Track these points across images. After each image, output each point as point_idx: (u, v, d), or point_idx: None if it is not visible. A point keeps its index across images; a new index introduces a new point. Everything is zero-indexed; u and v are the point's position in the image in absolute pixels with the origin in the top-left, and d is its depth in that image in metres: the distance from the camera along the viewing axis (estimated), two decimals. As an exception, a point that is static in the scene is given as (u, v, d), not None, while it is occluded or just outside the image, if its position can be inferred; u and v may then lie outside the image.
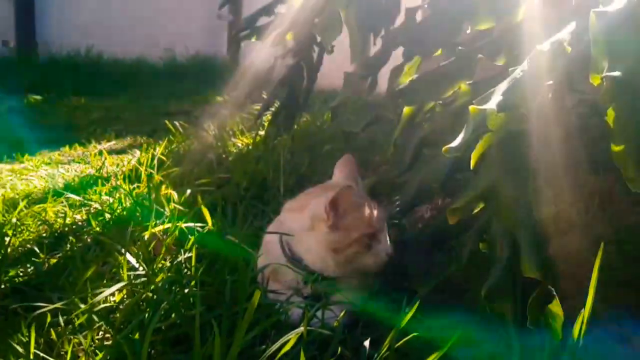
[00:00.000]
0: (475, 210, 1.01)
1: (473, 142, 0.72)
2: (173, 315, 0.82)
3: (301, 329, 0.74)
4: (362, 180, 1.21)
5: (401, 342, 0.85)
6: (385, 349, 0.84)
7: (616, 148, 0.66)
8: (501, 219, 0.74)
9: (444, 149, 0.67)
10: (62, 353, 0.84)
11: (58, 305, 0.88)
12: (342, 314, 1.02)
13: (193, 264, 1.07)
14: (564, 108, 0.72)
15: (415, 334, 0.86)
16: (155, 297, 0.89)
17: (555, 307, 0.83)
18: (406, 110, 1.18)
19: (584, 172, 1.00)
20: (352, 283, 1.10)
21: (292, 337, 0.71)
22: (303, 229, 1.06)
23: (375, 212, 1.07)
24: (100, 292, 0.94)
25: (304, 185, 1.84)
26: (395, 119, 1.20)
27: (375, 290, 1.12)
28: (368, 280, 1.12)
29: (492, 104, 0.68)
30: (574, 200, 0.74)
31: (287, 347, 0.71)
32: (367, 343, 0.88)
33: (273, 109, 2.42)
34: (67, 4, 5.73)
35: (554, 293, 0.82)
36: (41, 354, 0.74)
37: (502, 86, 0.73)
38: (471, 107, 0.69)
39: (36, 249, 1.24)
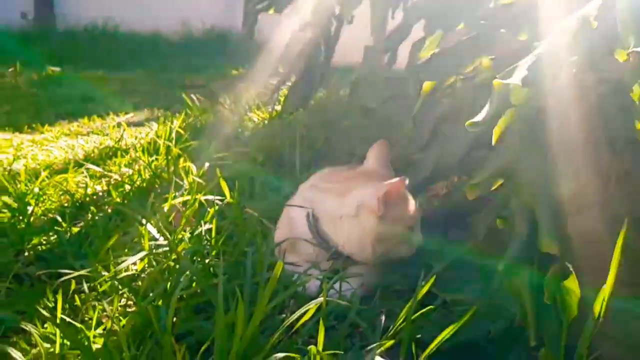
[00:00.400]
0: (493, 187, 1.02)
1: (495, 119, 0.71)
2: (195, 284, 0.84)
3: (320, 299, 0.75)
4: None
5: (417, 314, 0.86)
6: (400, 321, 0.85)
7: (641, 125, 0.66)
8: (520, 195, 0.74)
9: (467, 123, 0.67)
10: (87, 319, 0.87)
11: (82, 272, 0.90)
12: (359, 286, 1.04)
13: (213, 235, 1.09)
14: (586, 85, 0.72)
15: (431, 307, 0.87)
16: (177, 266, 0.90)
17: (571, 282, 0.83)
18: (426, 85, 1.17)
19: (603, 149, 0.99)
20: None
21: (311, 307, 0.72)
22: (344, 215, 1.06)
23: (414, 203, 1.08)
24: (123, 261, 0.96)
25: (320, 161, 1.86)
26: (415, 94, 1.19)
27: (392, 265, 1.14)
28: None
29: (516, 79, 0.67)
30: (592, 178, 0.74)
31: (306, 317, 0.73)
32: (382, 316, 0.89)
33: (289, 83, 2.41)
34: (85, -24, 5.72)
35: (571, 269, 0.83)
36: (67, 319, 0.76)
37: (527, 61, 0.73)
38: (495, 82, 0.68)
39: (58, 218, 1.26)
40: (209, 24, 5.84)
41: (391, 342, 0.81)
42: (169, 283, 0.82)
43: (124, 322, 0.82)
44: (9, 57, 3.84)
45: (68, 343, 0.74)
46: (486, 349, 0.88)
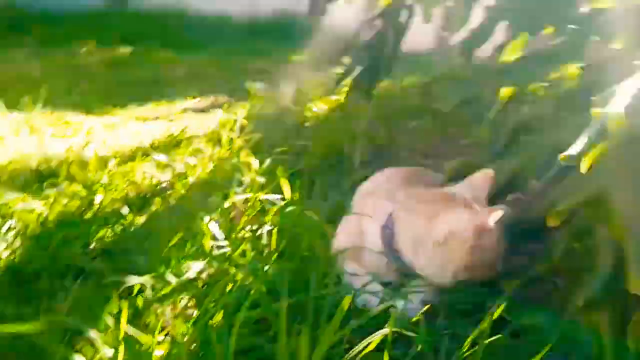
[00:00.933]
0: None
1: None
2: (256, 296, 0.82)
3: (386, 331, 0.71)
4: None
5: (486, 342, 0.80)
6: (465, 348, 0.80)
7: None
8: (609, 226, 0.67)
9: (561, 157, 0.61)
10: (147, 322, 0.87)
11: (147, 278, 0.91)
12: (420, 303, 1.00)
13: (274, 240, 1.07)
14: None
15: (500, 335, 0.81)
16: (238, 277, 0.89)
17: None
18: (506, 90, 1.10)
19: None
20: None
21: (376, 339, 0.68)
22: (430, 239, 1.00)
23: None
24: (184, 263, 0.97)
25: (381, 158, 1.81)
26: (493, 99, 1.12)
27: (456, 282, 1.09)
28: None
29: (619, 107, 0.60)
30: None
31: (371, 347, 0.69)
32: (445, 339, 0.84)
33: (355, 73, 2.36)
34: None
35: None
36: (129, 332, 0.76)
37: (631, 86, 0.65)
38: (594, 112, 0.61)
39: (124, 209, 1.28)
40: (276, 8, 5.83)
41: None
42: (230, 299, 0.80)
43: (183, 329, 0.81)
44: (82, 37, 4.00)
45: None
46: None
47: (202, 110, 2.50)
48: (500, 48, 1.15)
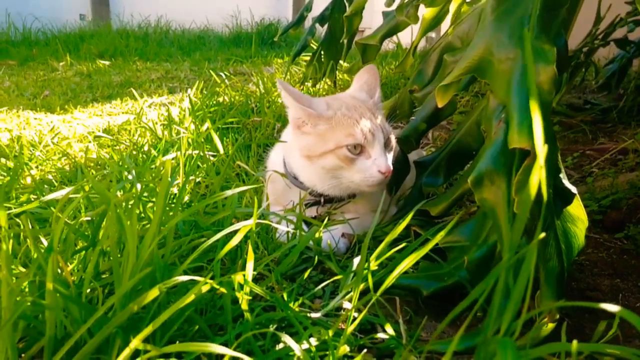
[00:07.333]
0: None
1: None
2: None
3: (250, 219, 0.64)
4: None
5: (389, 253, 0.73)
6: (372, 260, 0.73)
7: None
8: (495, 90, 0.59)
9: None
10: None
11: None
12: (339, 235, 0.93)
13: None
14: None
15: (403, 244, 0.74)
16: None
17: (577, 209, 0.68)
18: (428, 12, 1.04)
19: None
20: (358, 207, 1.01)
21: (241, 227, 0.61)
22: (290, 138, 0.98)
23: (366, 123, 0.94)
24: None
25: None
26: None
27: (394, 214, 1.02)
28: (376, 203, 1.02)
29: None
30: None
31: (230, 246, 0.61)
32: (356, 260, 0.77)
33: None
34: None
35: (573, 191, 0.67)
36: None
37: None
38: None
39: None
40: (259, 16, 5.84)
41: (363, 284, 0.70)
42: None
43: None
44: (66, 54, 3.99)
45: None
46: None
47: (170, 104, 2.46)
48: None
